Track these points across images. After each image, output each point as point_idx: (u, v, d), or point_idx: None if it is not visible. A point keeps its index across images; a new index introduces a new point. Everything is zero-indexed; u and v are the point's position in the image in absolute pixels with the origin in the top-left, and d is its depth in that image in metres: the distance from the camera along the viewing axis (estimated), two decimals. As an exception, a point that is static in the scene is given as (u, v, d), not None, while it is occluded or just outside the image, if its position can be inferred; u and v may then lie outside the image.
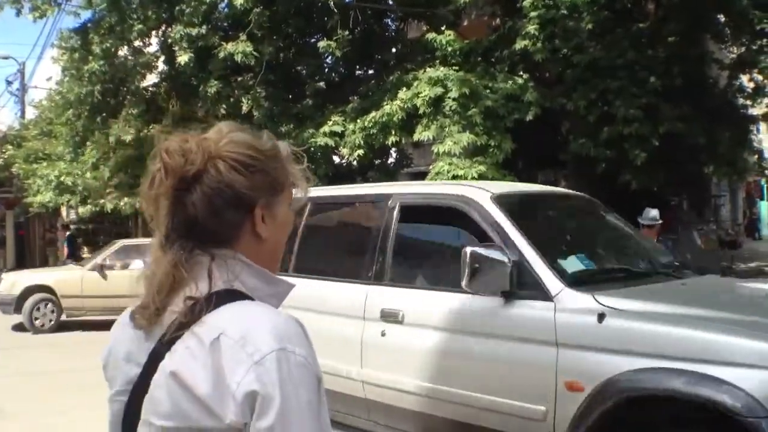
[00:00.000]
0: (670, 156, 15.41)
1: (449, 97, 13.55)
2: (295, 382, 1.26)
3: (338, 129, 14.68)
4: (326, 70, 18.66)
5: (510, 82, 14.43)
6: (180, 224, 1.40)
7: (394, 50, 18.55)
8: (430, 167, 13.61)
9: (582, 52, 15.02)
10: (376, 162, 17.30)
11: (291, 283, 1.54)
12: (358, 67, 18.68)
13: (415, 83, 14.08)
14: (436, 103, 13.76)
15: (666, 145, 14.64)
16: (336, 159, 16.66)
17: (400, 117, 13.79)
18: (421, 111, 13.59)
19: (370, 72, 18.60)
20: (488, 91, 14.04)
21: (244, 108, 15.70)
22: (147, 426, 1.34)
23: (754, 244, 33.03)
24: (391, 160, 18.66)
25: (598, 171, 15.18)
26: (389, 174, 17.16)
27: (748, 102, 18.98)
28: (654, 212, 10.68)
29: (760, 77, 18.39)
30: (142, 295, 1.40)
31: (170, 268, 1.37)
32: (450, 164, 12.95)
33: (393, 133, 13.96)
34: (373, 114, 14.00)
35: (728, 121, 16.93)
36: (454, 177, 12.74)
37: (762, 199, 41.99)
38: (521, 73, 15.30)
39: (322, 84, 16.83)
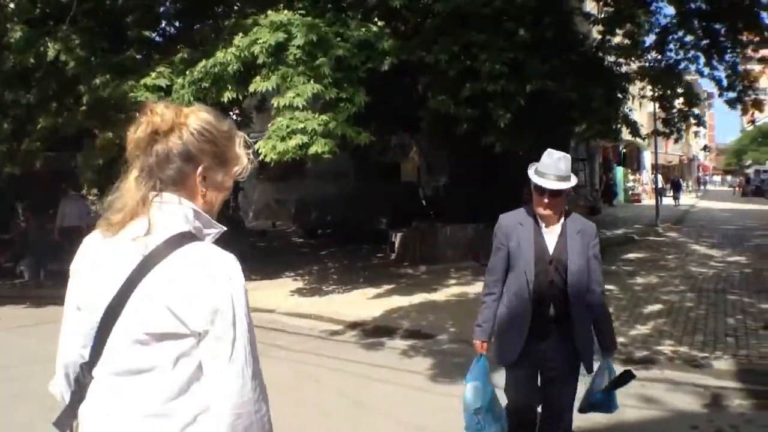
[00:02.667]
0: (539, 116, 15.04)
1: (293, 45, 12.58)
2: (241, 302, 1.95)
3: (163, 82, 13.45)
4: (163, 23, 17.38)
5: (364, 29, 13.61)
6: (148, 165, 2.02)
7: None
8: (270, 124, 12.59)
9: (444, 0, 14.39)
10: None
11: (222, 227, 2.14)
12: (197, 21, 17.34)
13: (255, 29, 12.98)
14: (279, 51, 12.71)
15: (534, 105, 14.22)
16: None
17: (235, 68, 12.62)
18: (260, 60, 12.50)
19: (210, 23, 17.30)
20: (339, 39, 13.17)
21: (50, 54, 14.16)
22: (127, 333, 1.92)
23: (611, 210, 34.02)
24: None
25: (458, 132, 14.61)
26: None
27: (622, 60, 18.98)
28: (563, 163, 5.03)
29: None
30: (111, 211, 2.03)
31: (138, 199, 1.99)
32: (291, 119, 11.98)
33: (228, 87, 12.84)
34: (203, 63, 12.85)
35: (600, 77, 16.76)
36: (293, 132, 11.84)
37: (619, 164, 43.40)
38: (376, 20, 14.52)
39: (149, 33, 15.40)
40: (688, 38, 20.44)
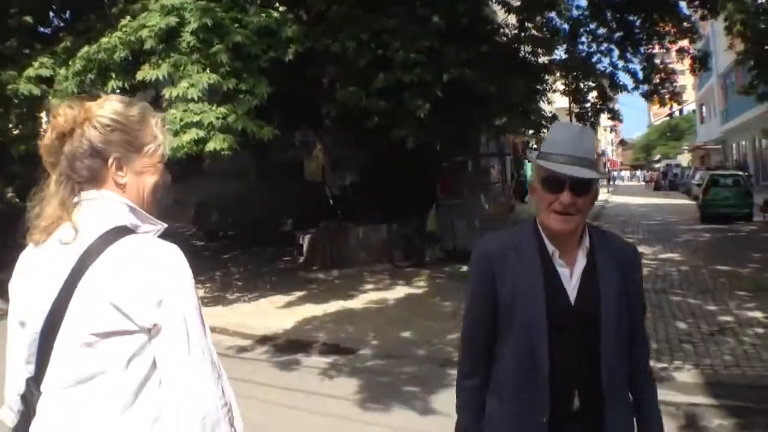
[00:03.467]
0: (455, 109, 14.42)
1: (186, 31, 11.63)
2: (190, 292, 1.89)
3: (46, 73, 12.30)
4: (51, 15, 16.13)
5: (264, 15, 12.72)
6: (63, 169, 1.96)
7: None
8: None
9: (350, -17, 13.64)
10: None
11: (163, 224, 2.08)
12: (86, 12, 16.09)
13: (144, 14, 11.96)
14: (170, 37, 11.75)
15: (449, 96, 13.58)
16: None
17: (122, 55, 11.60)
18: (148, 46, 11.48)
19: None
20: (237, 26, 12.25)
21: None
22: (72, 337, 1.83)
23: (524, 207, 33.91)
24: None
25: (369, 126, 13.86)
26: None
27: (540, 50, 18.58)
28: (586, 139, 2.97)
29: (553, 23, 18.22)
30: (36, 220, 1.97)
31: (59, 202, 1.93)
32: (185, 111, 11.01)
33: (114, 76, 11.77)
34: (85, 49, 11.77)
35: (518, 69, 16.24)
36: (187, 126, 10.87)
37: (529, 160, 43.35)
38: (277, 5, 13.66)
39: (30, 19, 14.13)
40: (601, 31, 20.23)
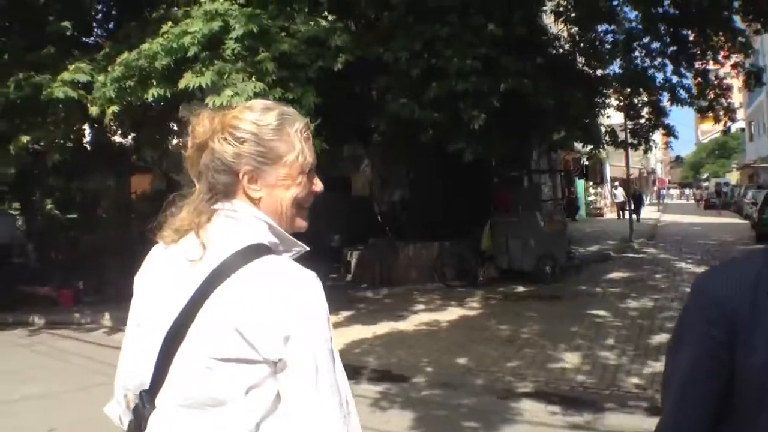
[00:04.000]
0: (511, 121, 13.65)
1: (231, 38, 11.03)
2: (322, 326, 1.67)
3: (83, 78, 11.75)
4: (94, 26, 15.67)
5: (312, 23, 12.10)
6: (203, 180, 1.84)
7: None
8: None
9: (402, -10, 12.98)
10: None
11: (304, 245, 1.90)
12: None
13: (186, 21, 11.37)
14: (214, 44, 11.17)
15: (506, 108, 12.82)
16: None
17: (163, 63, 11.02)
18: (191, 53, 10.90)
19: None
20: (284, 34, 11.64)
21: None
22: (193, 357, 1.68)
23: (576, 225, 32.95)
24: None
25: (424, 139, 13.14)
26: (153, 140, 14.34)
27: (596, 63, 17.77)
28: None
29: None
30: (171, 222, 1.86)
31: (195, 209, 1.82)
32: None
33: (154, 84, 11.17)
34: (125, 55, 11.21)
35: (576, 81, 15.43)
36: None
37: (581, 177, 42.29)
38: (326, 14, 13.02)
39: (68, 24, 13.60)
40: (655, 45, 19.46)
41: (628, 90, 19.89)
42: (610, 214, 45.96)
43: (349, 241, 18.17)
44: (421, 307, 13.62)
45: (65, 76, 11.62)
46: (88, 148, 17.78)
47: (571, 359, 9.26)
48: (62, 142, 12.97)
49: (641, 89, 18.71)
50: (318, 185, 1.94)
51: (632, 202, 42.25)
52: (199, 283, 1.70)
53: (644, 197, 52.33)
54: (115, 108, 11.30)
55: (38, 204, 17.03)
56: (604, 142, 17.97)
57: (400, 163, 18.84)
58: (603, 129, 18.23)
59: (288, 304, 1.64)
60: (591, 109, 16.00)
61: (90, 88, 11.73)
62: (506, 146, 13.98)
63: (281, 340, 1.63)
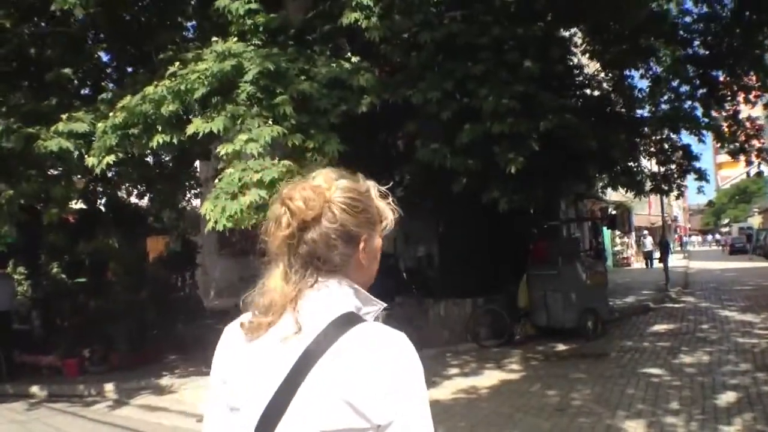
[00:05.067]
0: (549, 166, 12.47)
1: (245, 81, 9.94)
2: (423, 385, 1.65)
3: (82, 128, 10.63)
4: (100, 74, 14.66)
5: (334, 65, 11.02)
6: (300, 257, 1.74)
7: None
8: (217, 179, 9.78)
9: (432, 29, 11.87)
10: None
11: (382, 303, 1.82)
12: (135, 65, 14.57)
13: (197, 63, 10.28)
14: (226, 87, 10.11)
15: (543, 152, 11.64)
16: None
17: (171, 109, 9.92)
18: (198, 94, 9.82)
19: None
20: (304, 78, 10.56)
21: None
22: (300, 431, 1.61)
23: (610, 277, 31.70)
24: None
25: (456, 188, 11.97)
26: (166, 199, 13.21)
27: (631, 104, 16.68)
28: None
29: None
30: (253, 310, 1.77)
31: (289, 294, 1.71)
32: (243, 170, 9.19)
33: (160, 130, 10.05)
34: (127, 99, 10.12)
35: (616, 123, 14.27)
36: (246, 187, 9.05)
37: (608, 226, 40.91)
38: (349, 55, 11.96)
39: (68, 70, 12.52)
40: (684, 88, 18.60)
41: (664, 133, 18.91)
42: (637, 264, 44.66)
43: (373, 301, 16.91)
44: (456, 371, 12.26)
45: (60, 126, 10.48)
46: (102, 209, 16.82)
47: (635, 429, 8.07)
48: (62, 199, 11.77)
49: (683, 129, 17.56)
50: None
51: (660, 250, 41.06)
52: (295, 359, 1.63)
53: (671, 245, 50.97)
54: (112, 158, 10.15)
55: (44, 267, 15.87)
56: (645, 188, 16.71)
57: (425, 216, 17.68)
58: (651, 173, 17.06)
59: (393, 368, 1.60)
60: (633, 152, 14.78)
61: (91, 141, 10.62)
62: (545, 194, 12.76)
63: (391, 403, 1.59)
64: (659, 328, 15.90)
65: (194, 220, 20.03)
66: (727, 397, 9.15)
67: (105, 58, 14.90)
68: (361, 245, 1.77)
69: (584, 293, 14.42)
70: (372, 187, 1.85)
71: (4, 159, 11.42)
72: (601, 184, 16.35)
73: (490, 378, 11.45)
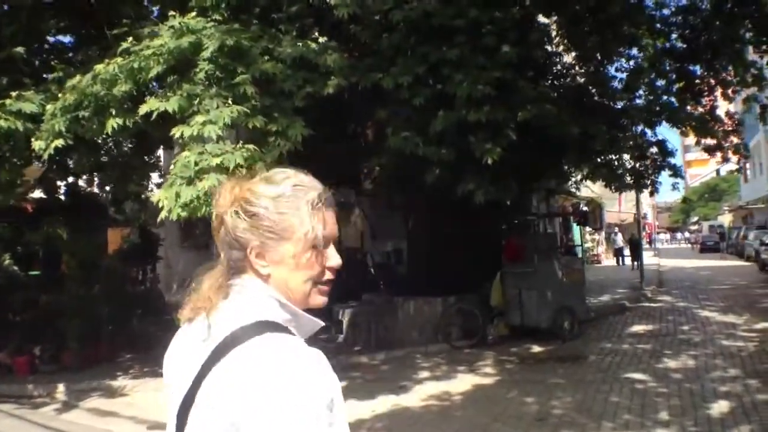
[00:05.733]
0: (527, 157, 11.79)
1: (203, 59, 9.13)
2: (318, 413, 1.41)
3: (30, 108, 9.74)
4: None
5: (300, 44, 10.23)
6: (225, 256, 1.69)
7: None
8: (172, 164, 8.97)
9: (405, 8, 11.13)
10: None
11: (316, 320, 1.70)
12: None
13: (152, 40, 9.44)
14: (183, 66, 9.30)
15: (520, 142, 10.95)
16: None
17: (124, 89, 9.07)
18: (153, 73, 9.00)
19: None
20: (267, 58, 9.77)
21: None
22: None
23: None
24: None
25: (428, 180, 11.24)
26: (118, 187, 12.35)
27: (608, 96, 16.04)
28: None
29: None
30: (192, 294, 1.70)
31: (211, 286, 1.66)
32: (201, 153, 8.38)
33: (113, 113, 9.19)
34: (77, 79, 9.27)
35: (597, 113, 13.59)
36: (203, 171, 8.23)
37: (580, 223, 40.38)
38: (317, 35, 11.18)
39: (20, 49, 11.54)
40: (660, 83, 17.99)
41: (638, 128, 18.31)
42: (607, 261, 44.28)
43: (339, 298, 16.16)
44: (426, 374, 11.51)
45: (7, 103, 9.61)
46: (62, 199, 15.90)
47: (624, 443, 7.38)
48: (7, 185, 10.88)
49: (666, 122, 16.93)
50: (334, 260, 1.69)
51: (631, 247, 40.64)
52: (201, 365, 1.55)
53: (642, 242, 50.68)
54: (60, 142, 9.28)
55: (-4, 259, 14.88)
56: (626, 182, 16.11)
57: (393, 209, 16.93)
58: (624, 168, 16.45)
59: (284, 390, 1.40)
60: (614, 144, 14.12)
61: (40, 122, 9.75)
62: (519, 187, 12.07)
63: (274, 428, 1.40)
64: (638, 328, 15.27)
65: (157, 211, 19.16)
66: (720, 407, 8.51)
67: (59, 37, 14.01)
68: (251, 252, 1.62)
69: (561, 291, 13.78)
70: (301, 192, 1.64)
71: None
72: (578, 176, 15.67)
73: (463, 382, 10.73)
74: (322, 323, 1.72)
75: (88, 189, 16.73)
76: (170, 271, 27.42)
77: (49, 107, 9.54)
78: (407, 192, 14.08)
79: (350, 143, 13.99)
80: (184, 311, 1.71)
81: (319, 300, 1.69)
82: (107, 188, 15.71)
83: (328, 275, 1.68)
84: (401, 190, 14.25)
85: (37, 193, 15.62)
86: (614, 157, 15.61)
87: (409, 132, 10.80)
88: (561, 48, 16.34)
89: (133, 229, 17.93)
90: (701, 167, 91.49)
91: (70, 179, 15.81)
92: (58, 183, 15.61)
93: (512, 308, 14.00)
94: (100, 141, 11.72)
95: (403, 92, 10.75)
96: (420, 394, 10.09)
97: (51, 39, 14.03)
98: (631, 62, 17.94)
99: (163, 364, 1.76)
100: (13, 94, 9.78)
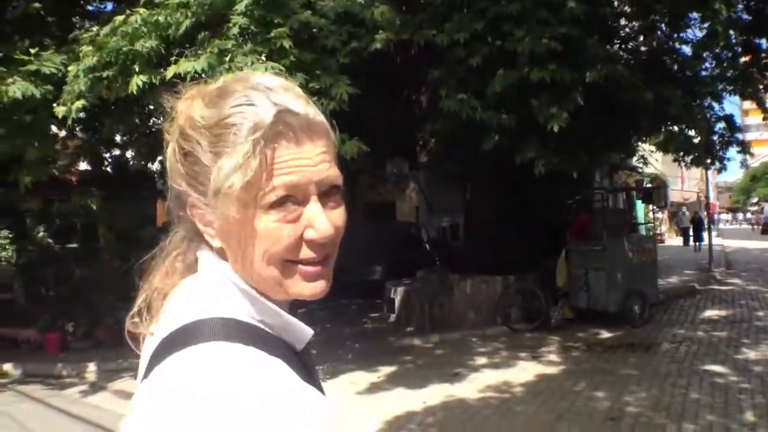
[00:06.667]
0: (596, 124, 10.63)
1: (237, 13, 8.13)
2: None
3: (50, 69, 8.83)
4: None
5: (343, -5, 9.20)
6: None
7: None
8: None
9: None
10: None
11: (294, 320, 1.08)
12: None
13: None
14: (215, 21, 8.35)
15: (587, 108, 9.76)
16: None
17: (148, 45, 8.15)
18: (182, 29, 8.07)
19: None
20: (309, 12, 8.75)
21: None
22: None
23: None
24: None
25: (486, 147, 10.13)
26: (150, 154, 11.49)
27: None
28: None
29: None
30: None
31: (163, 272, 1.18)
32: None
33: (137, 71, 8.25)
34: (94, 31, 8.36)
35: (675, 78, 12.33)
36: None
37: (643, 201, 38.94)
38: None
39: (37, 5, 10.65)
40: (725, 54, 16.60)
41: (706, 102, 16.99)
42: (670, 240, 42.66)
43: (393, 274, 15.13)
44: (484, 360, 10.42)
45: (31, 68, 8.68)
46: (109, 171, 15.24)
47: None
48: (37, 162, 10.00)
49: (745, 92, 15.53)
50: (318, 225, 1.02)
51: (694, 227, 39.03)
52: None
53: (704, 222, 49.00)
54: (81, 103, 8.35)
55: (29, 231, 14.17)
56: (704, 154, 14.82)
57: (450, 182, 15.86)
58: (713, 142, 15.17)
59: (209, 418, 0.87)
60: (689, 111, 12.82)
61: (60, 83, 8.83)
62: (591, 158, 10.91)
63: None
64: (711, 314, 13.94)
65: None
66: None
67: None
68: (195, 216, 1.08)
69: (631, 272, 12.51)
70: (234, 113, 1.00)
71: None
72: (645, 150, 14.40)
73: (525, 371, 9.62)
74: (311, 330, 1.10)
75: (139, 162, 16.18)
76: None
77: (71, 68, 8.63)
78: (464, 161, 12.98)
79: (404, 111, 12.95)
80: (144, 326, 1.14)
81: (305, 288, 1.07)
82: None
83: (307, 252, 1.04)
84: (457, 159, 13.17)
85: (84, 165, 15.12)
86: (686, 128, 14.27)
87: (465, 94, 9.69)
88: (629, 9, 15.13)
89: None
90: (761, 147, 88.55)
91: (117, 152, 15.10)
92: (105, 155, 14.97)
93: (578, 289, 12.80)
94: (132, 106, 10.84)
95: (459, 51, 9.65)
96: (477, 383, 9.02)
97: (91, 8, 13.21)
98: (698, 33, 16.71)
99: None
100: (32, 58, 8.83)
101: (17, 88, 8.49)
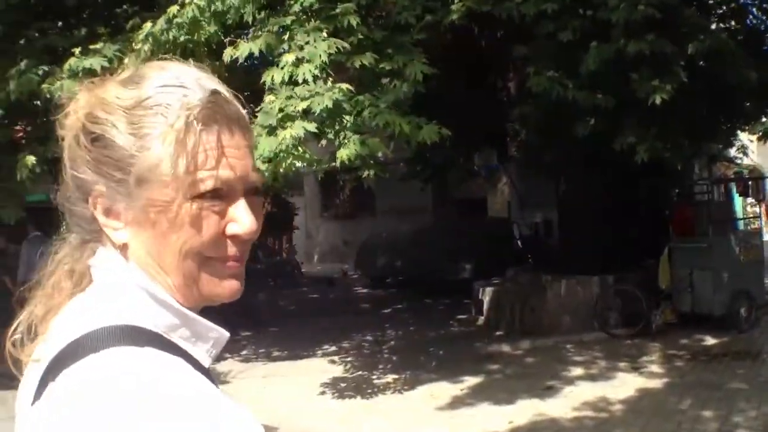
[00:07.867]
0: (697, 106, 9.52)
1: (299, -9, 7.36)
2: None
3: (99, 63, 8.07)
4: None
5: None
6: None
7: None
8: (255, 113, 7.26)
9: None
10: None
11: (213, 326, 1.02)
12: None
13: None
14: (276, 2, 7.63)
15: (689, 87, 8.63)
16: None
17: (210, 31, 7.44)
18: (247, 11, 7.36)
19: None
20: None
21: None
22: None
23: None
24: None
25: (580, 132, 9.07)
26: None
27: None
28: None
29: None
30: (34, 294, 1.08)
31: (59, 277, 1.04)
32: (289, 98, 6.64)
33: (199, 52, 7.51)
34: (148, 26, 7.58)
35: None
36: (289, 118, 6.47)
37: (741, 193, 36.82)
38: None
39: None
40: None
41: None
42: (767, 236, 40.32)
43: (482, 273, 14.18)
44: (579, 371, 9.33)
45: (72, 63, 7.94)
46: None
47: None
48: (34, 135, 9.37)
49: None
50: (241, 221, 0.95)
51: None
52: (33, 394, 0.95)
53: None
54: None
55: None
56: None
57: (542, 173, 14.83)
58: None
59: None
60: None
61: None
62: (694, 146, 9.75)
63: None
64: None
65: (294, 179, 18.15)
66: None
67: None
68: (97, 207, 0.96)
69: (738, 272, 11.27)
70: (158, 94, 0.92)
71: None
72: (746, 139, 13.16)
73: (624, 385, 8.52)
74: (226, 333, 1.01)
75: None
76: (312, 241, 26.67)
77: (126, 60, 7.90)
78: (556, 151, 11.96)
79: (489, 97, 12.00)
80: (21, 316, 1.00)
81: (223, 287, 0.97)
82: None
83: (231, 247, 0.94)
84: (549, 146, 12.19)
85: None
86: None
87: (553, 71, 8.64)
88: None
89: (267, 198, 17.00)
90: None
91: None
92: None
93: (681, 291, 11.53)
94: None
95: (547, 24, 8.62)
96: (571, 399, 7.98)
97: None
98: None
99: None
100: (77, 50, 8.07)
101: (61, 87, 7.77)
